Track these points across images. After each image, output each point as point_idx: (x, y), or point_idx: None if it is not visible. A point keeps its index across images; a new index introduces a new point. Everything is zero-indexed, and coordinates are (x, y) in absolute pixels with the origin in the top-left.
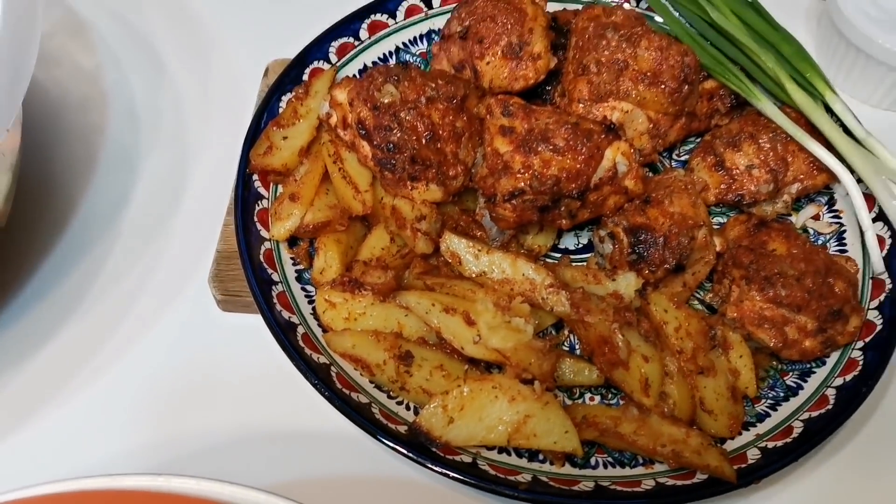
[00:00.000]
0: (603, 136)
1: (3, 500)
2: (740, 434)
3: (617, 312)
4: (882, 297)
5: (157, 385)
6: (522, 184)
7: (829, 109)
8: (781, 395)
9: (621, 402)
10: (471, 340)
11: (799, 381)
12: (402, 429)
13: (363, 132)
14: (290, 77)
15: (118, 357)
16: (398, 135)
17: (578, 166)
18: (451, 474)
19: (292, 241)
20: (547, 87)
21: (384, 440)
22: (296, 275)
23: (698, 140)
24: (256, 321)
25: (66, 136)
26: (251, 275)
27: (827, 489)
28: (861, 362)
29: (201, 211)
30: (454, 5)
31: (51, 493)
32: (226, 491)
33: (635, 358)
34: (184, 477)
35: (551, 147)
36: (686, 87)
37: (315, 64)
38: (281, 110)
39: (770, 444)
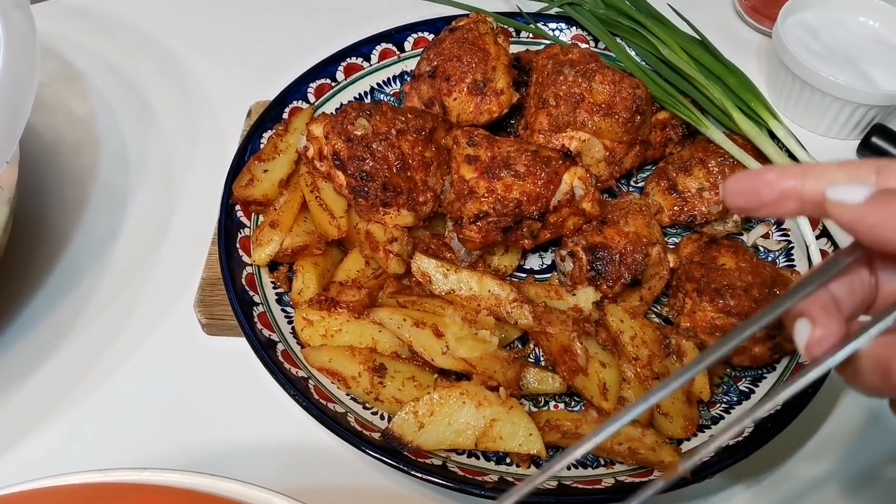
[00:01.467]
0: (561, 162)
1: (33, 486)
2: (695, 436)
3: (576, 323)
4: None
5: (145, 403)
6: (486, 206)
7: (773, 136)
8: (735, 399)
9: (583, 409)
10: (439, 352)
11: (751, 386)
12: (377, 436)
13: (338, 162)
14: (270, 116)
15: (108, 377)
16: (370, 164)
17: (538, 190)
18: (422, 476)
19: (273, 266)
20: (511, 121)
21: (360, 446)
22: (276, 297)
23: (654, 168)
24: (239, 344)
25: (60, 178)
26: (234, 297)
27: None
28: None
29: (186, 243)
30: (424, 48)
31: (78, 482)
32: (249, 492)
33: (594, 364)
34: (215, 477)
35: (513, 173)
36: (638, 117)
37: (294, 103)
38: (262, 146)
39: (728, 443)
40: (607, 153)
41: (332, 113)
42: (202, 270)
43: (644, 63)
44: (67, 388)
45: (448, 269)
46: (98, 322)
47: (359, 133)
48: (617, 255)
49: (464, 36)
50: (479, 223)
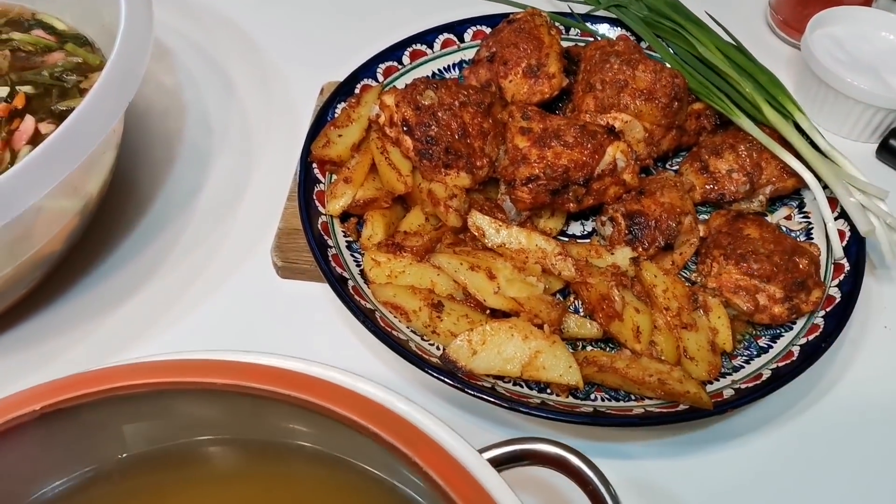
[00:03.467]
0: (605, 136)
1: (185, 357)
2: (717, 380)
3: (614, 276)
4: (842, 277)
5: (224, 336)
6: (537, 170)
7: (798, 128)
8: (755, 353)
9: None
10: (491, 292)
11: (770, 343)
12: (434, 360)
13: (406, 128)
14: (344, 90)
15: (190, 311)
16: (435, 130)
17: (584, 158)
18: (475, 394)
19: (343, 218)
20: (560, 105)
21: (421, 366)
22: (346, 244)
23: (688, 153)
24: (310, 287)
25: (151, 138)
26: (311, 239)
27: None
28: (822, 326)
29: (262, 199)
30: (482, 39)
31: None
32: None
33: (629, 310)
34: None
35: (562, 143)
36: (676, 103)
37: (365, 81)
38: (336, 115)
39: (742, 386)
40: (646, 134)
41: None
42: (278, 222)
43: (681, 60)
44: (154, 319)
45: (500, 226)
46: (183, 264)
47: (426, 103)
48: (653, 221)
49: (521, 26)
50: (530, 185)
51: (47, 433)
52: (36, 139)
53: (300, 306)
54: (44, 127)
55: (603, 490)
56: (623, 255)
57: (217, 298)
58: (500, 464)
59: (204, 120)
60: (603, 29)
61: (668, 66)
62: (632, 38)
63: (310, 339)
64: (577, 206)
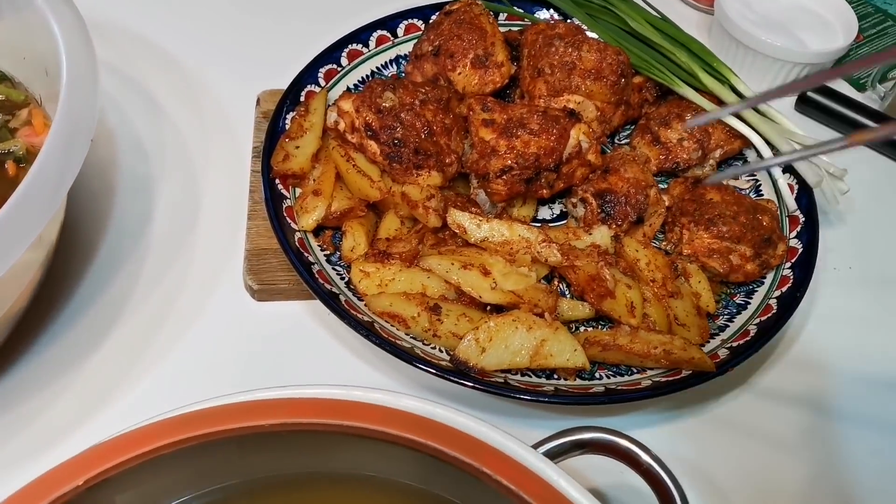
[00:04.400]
0: (567, 119)
1: (209, 405)
2: (709, 342)
3: (600, 255)
4: (798, 228)
5: (206, 374)
6: (510, 161)
7: (734, 91)
8: (734, 310)
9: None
10: (488, 288)
11: (746, 299)
12: (444, 363)
13: (370, 133)
14: (290, 98)
15: (167, 351)
16: (401, 131)
17: (552, 144)
18: (492, 390)
19: (316, 231)
20: (507, 92)
21: (433, 371)
22: (325, 258)
23: (632, 126)
24: (290, 307)
25: (85, 170)
26: (294, 257)
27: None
28: (791, 277)
29: (220, 220)
30: (417, 33)
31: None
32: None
33: (620, 287)
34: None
35: (528, 131)
36: (623, 80)
37: (308, 87)
38: (287, 126)
39: (734, 345)
40: (599, 113)
41: (346, 92)
42: (244, 244)
43: (616, 37)
44: (124, 370)
45: (480, 220)
46: (150, 300)
47: (387, 105)
48: (622, 198)
49: (461, 17)
50: (504, 177)
51: None
52: None
53: (284, 328)
54: None
55: (658, 468)
56: (602, 234)
57: (195, 332)
58: (553, 457)
59: (137, 145)
60: (539, 13)
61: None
62: (561, 19)
63: (303, 360)
64: (549, 192)
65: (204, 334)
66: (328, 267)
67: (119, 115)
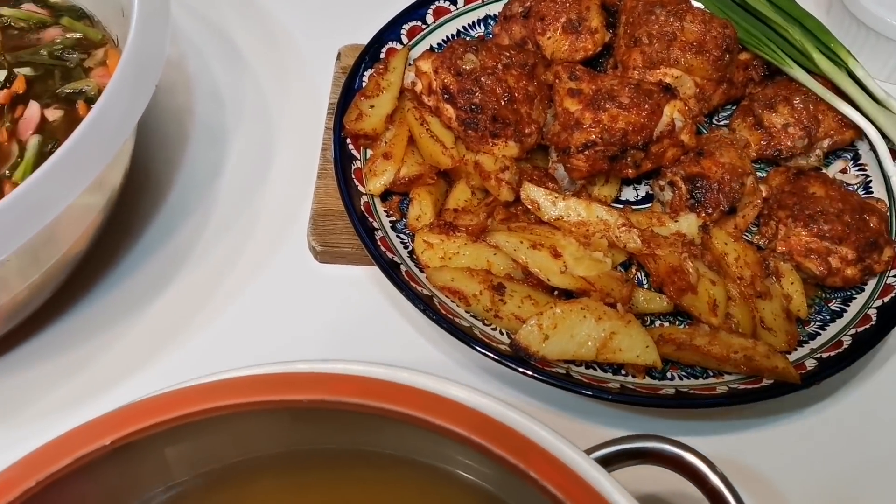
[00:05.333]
0: (661, 94)
1: (238, 374)
2: (796, 350)
3: (684, 245)
4: None
5: (262, 331)
6: (594, 136)
7: (851, 76)
8: (828, 317)
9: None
10: (557, 271)
11: (842, 306)
12: (502, 347)
13: (447, 96)
14: (369, 55)
15: (228, 305)
16: (480, 97)
17: (642, 120)
18: (552, 382)
19: (384, 196)
20: (600, 62)
21: (491, 355)
22: (390, 225)
23: (734, 108)
24: (351, 271)
25: (160, 117)
26: (357, 222)
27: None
28: None
29: (290, 177)
30: None
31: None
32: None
33: (703, 282)
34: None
35: (617, 104)
36: (727, 55)
37: (390, 44)
38: (364, 84)
39: (824, 356)
40: (697, 90)
41: (427, 51)
42: (311, 203)
43: (725, 9)
44: (181, 322)
45: (556, 197)
46: (213, 254)
47: (467, 67)
48: (715, 184)
49: None
50: (586, 152)
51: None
52: (43, 127)
53: (343, 292)
54: (50, 113)
55: (725, 491)
56: (689, 223)
57: (254, 289)
58: (607, 464)
59: (214, 93)
60: None
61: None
62: None
63: (359, 327)
64: (635, 172)
65: (263, 292)
66: (392, 234)
67: (199, 62)
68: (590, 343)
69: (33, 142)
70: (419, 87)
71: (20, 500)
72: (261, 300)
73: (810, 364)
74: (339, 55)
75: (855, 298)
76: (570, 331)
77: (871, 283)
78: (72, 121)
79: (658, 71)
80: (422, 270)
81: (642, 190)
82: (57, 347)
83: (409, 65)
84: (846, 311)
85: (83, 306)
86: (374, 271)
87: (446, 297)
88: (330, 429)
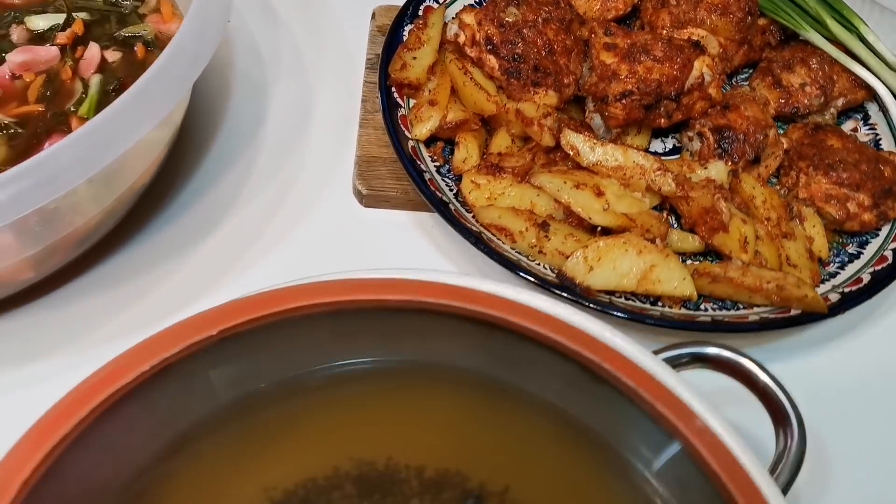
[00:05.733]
0: (691, 50)
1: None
2: (818, 286)
3: (716, 188)
4: None
5: (316, 268)
6: (630, 86)
7: (862, 41)
8: (846, 259)
9: None
10: (600, 210)
11: (859, 249)
12: (550, 278)
13: (490, 47)
14: (408, 12)
15: (277, 244)
16: (522, 47)
17: (675, 73)
18: (599, 308)
19: (427, 143)
20: (627, 23)
21: (541, 284)
22: (435, 169)
23: (750, 70)
24: (395, 216)
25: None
26: (407, 162)
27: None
28: None
29: (331, 127)
30: None
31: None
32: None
33: (734, 221)
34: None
35: (651, 57)
36: (749, 17)
37: (426, 3)
38: (405, 38)
39: (846, 290)
40: (721, 50)
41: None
42: (353, 151)
43: None
44: (239, 254)
45: (594, 143)
46: (260, 197)
47: (510, 20)
48: (741, 135)
49: None
50: (623, 101)
51: (223, 355)
52: (104, 67)
53: (388, 235)
54: (110, 55)
55: (775, 388)
56: (718, 169)
57: (301, 230)
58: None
59: (253, 49)
60: None
61: None
62: None
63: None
64: (667, 122)
65: (309, 234)
66: (438, 178)
67: (238, 18)
68: (631, 275)
69: (95, 80)
70: (462, 39)
71: (135, 382)
72: (307, 242)
73: (833, 297)
74: (373, 15)
75: (871, 242)
76: (614, 263)
77: (886, 228)
78: (131, 62)
79: (685, 31)
80: (468, 211)
81: (669, 142)
82: (115, 279)
83: (451, 19)
84: (863, 252)
85: (139, 242)
86: (417, 216)
87: (493, 234)
88: (415, 335)
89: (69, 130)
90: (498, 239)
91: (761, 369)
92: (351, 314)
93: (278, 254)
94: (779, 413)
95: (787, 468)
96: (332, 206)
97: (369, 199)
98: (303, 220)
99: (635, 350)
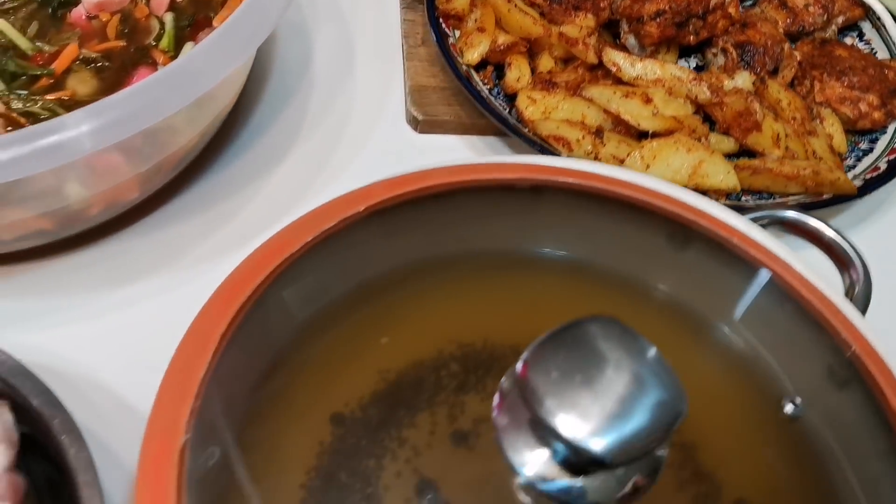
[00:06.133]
0: None
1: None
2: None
3: (746, 94)
4: None
5: None
6: (663, 5)
7: None
8: (861, 154)
9: None
10: (649, 115)
11: (870, 145)
12: None
13: None
14: None
15: (342, 170)
16: None
17: None
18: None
19: (476, 68)
20: None
21: None
22: (486, 91)
23: None
24: (449, 140)
25: None
26: (464, 81)
27: None
28: None
29: (376, 63)
30: None
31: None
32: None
33: (766, 120)
34: None
35: None
36: None
37: None
38: None
39: (867, 177)
40: None
41: None
42: (402, 83)
43: None
44: (305, 185)
45: (634, 59)
46: (319, 129)
47: None
48: (761, 48)
49: None
50: (657, 20)
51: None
52: (173, 6)
53: (442, 157)
54: None
55: (842, 241)
56: (744, 79)
57: (365, 153)
58: None
59: None
60: None
61: None
62: None
63: None
64: (695, 39)
65: (370, 159)
66: (491, 98)
67: None
68: (683, 171)
69: (169, 17)
70: None
71: (301, 252)
72: (370, 164)
73: (858, 183)
74: None
75: (880, 139)
76: (667, 160)
77: (893, 125)
78: (198, 1)
79: None
80: (524, 127)
81: (692, 62)
82: (201, 205)
83: None
84: (874, 147)
85: (217, 172)
86: (469, 139)
87: (550, 144)
88: (497, 227)
89: (153, 63)
90: (555, 149)
91: (827, 226)
92: (480, 194)
93: (348, 175)
94: (844, 260)
95: (858, 305)
96: (387, 134)
97: (424, 124)
98: (363, 146)
99: (726, 212)
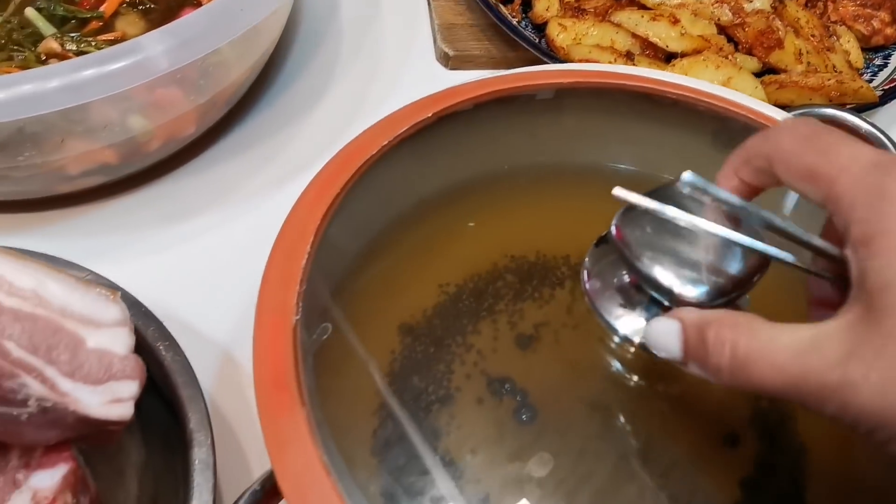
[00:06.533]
0: None
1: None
2: None
3: (767, 14)
4: None
5: None
6: None
7: None
8: (876, 69)
9: None
10: (677, 36)
11: (884, 61)
12: None
13: None
14: None
15: (379, 105)
16: None
17: None
18: None
19: (503, 2)
20: None
21: None
22: (516, 23)
23: None
24: (477, 76)
25: None
26: (495, 14)
27: None
28: None
29: (402, 6)
30: None
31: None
32: None
33: (788, 37)
34: None
35: None
36: None
37: None
38: None
39: (885, 88)
40: None
41: None
42: (428, 21)
43: None
44: (348, 120)
45: None
46: (354, 69)
47: None
48: None
49: None
50: None
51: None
52: None
53: None
54: None
55: (882, 136)
56: (762, 1)
57: (398, 94)
58: None
59: None
60: None
61: None
62: None
63: None
64: None
65: (403, 97)
66: (521, 29)
67: None
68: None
69: None
70: None
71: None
72: (403, 103)
73: (878, 94)
74: None
75: (893, 53)
76: (697, 77)
77: None
78: None
79: None
80: (555, 53)
81: None
82: (246, 145)
83: None
84: (889, 62)
85: (259, 112)
86: (498, 73)
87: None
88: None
89: (197, 3)
90: None
91: (863, 120)
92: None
93: (385, 111)
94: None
95: None
96: (419, 71)
97: (455, 60)
98: (396, 83)
99: (770, 108)
